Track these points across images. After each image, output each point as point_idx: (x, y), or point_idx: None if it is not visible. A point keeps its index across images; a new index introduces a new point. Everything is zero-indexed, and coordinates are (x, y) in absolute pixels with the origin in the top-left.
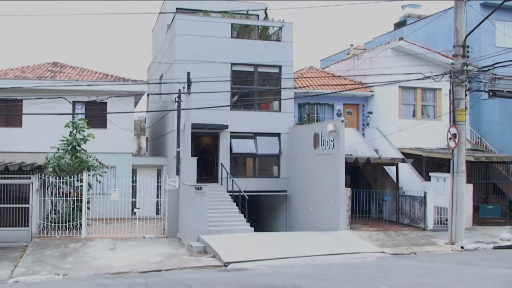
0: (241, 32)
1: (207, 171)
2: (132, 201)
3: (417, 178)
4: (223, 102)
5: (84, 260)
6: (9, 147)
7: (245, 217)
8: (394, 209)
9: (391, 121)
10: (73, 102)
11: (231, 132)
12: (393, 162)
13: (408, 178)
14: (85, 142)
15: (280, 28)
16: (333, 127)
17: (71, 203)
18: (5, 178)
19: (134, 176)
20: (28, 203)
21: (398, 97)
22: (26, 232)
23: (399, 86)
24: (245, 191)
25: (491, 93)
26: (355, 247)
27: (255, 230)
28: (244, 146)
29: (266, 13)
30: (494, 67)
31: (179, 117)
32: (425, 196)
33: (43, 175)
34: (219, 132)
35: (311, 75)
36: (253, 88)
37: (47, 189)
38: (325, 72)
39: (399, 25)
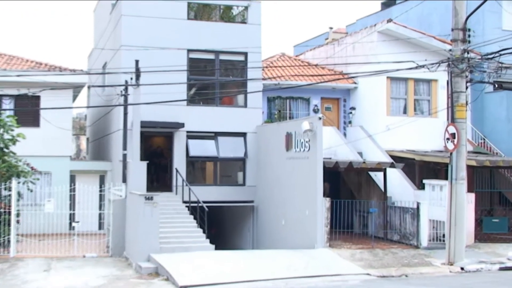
0: (199, 12)
1: (159, 178)
2: (70, 214)
3: (409, 186)
4: (178, 96)
5: (12, 284)
6: None
7: (204, 232)
8: (381, 223)
9: (378, 119)
10: (0, 95)
11: (187, 132)
12: (381, 167)
13: (398, 186)
14: (14, 144)
15: (246, 7)
16: (309, 126)
17: None
18: None
19: (72, 184)
20: None
21: (386, 90)
22: None
23: (388, 77)
24: (204, 202)
25: (496, 85)
26: (335, 268)
27: (216, 248)
28: (203, 148)
29: None
30: (500, 54)
31: (125, 114)
32: (418, 208)
33: None
34: (173, 131)
35: (282, 63)
36: (213, 79)
37: None
38: (299, 60)
39: (387, 4)
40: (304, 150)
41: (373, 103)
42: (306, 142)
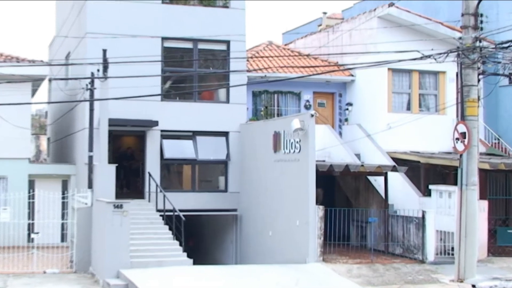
0: None
1: (129, 183)
2: (29, 224)
3: (413, 192)
4: (152, 90)
5: None
6: None
7: (181, 245)
8: (382, 234)
9: (378, 116)
10: None
11: (162, 131)
12: (381, 171)
13: (401, 193)
14: None
15: None
16: (299, 124)
17: None
18: None
19: (31, 190)
20: None
21: (388, 84)
22: None
23: (389, 69)
24: (181, 210)
25: None
26: (329, 286)
27: (194, 263)
28: (179, 150)
29: None
30: None
31: (92, 110)
32: (423, 217)
33: None
34: (146, 130)
35: (270, 53)
36: (192, 71)
37: None
38: (289, 49)
39: None
40: (294, 151)
41: (372, 99)
42: (297, 142)
